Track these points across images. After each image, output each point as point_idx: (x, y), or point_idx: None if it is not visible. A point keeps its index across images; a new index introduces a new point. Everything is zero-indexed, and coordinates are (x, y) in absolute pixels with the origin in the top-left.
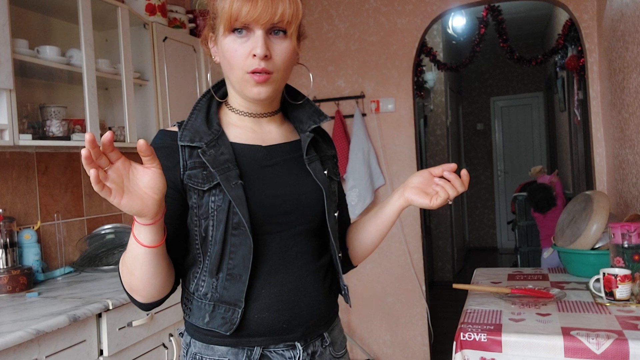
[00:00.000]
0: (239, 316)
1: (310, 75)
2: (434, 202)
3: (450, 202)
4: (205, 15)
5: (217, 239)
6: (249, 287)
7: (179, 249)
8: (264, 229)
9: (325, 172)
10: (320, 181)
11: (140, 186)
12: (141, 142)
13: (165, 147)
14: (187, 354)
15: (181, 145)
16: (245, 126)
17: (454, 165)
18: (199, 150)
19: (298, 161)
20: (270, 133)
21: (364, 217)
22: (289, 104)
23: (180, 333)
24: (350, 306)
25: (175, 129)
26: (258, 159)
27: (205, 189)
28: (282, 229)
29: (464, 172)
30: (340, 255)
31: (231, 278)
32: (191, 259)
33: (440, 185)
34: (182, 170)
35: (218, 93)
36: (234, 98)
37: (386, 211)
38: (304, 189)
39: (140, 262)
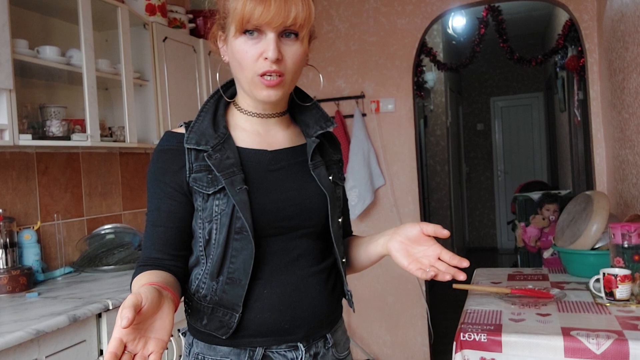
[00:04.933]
0: (236, 320)
1: (321, 76)
2: (414, 270)
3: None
4: (215, 13)
5: (220, 242)
6: (250, 288)
7: (185, 251)
8: (266, 232)
9: (330, 177)
10: (325, 187)
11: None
12: (125, 318)
13: (171, 150)
14: (189, 354)
15: (187, 148)
16: (252, 129)
17: (446, 233)
18: (205, 154)
19: (303, 166)
20: (277, 136)
21: (360, 240)
22: (296, 105)
23: (183, 333)
24: (354, 311)
25: (182, 130)
26: (263, 163)
27: (210, 192)
28: (284, 232)
29: (464, 263)
30: (344, 260)
31: (231, 282)
32: (195, 259)
33: (433, 267)
34: (187, 172)
35: (227, 93)
36: (242, 98)
37: (371, 249)
38: (307, 194)
39: None
